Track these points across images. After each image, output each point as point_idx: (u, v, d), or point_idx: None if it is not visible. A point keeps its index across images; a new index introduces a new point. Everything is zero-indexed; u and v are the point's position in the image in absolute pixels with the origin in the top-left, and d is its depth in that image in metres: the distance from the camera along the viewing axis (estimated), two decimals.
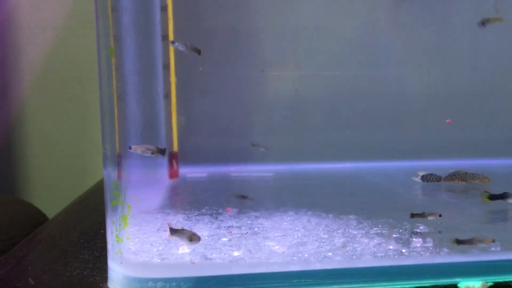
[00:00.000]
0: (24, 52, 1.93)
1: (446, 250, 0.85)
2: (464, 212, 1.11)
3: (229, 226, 0.97)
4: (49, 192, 1.99)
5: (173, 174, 1.38)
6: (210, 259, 0.82)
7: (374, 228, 0.95)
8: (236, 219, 1.02)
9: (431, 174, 1.30)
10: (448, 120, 1.28)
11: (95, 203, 1.36)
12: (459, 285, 0.81)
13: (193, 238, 0.82)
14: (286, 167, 1.47)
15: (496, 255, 0.85)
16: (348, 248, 0.86)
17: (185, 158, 1.39)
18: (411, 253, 0.85)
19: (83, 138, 1.98)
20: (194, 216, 1.04)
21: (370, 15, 1.47)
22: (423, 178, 1.31)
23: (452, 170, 1.30)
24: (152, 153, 0.93)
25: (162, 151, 0.95)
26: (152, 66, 1.19)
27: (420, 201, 1.22)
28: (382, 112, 1.50)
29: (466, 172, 1.29)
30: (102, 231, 1.07)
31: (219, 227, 0.97)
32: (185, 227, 0.96)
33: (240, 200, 1.11)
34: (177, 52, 1.31)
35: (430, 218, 0.95)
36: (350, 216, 1.01)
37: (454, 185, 1.30)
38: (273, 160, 1.47)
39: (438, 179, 1.29)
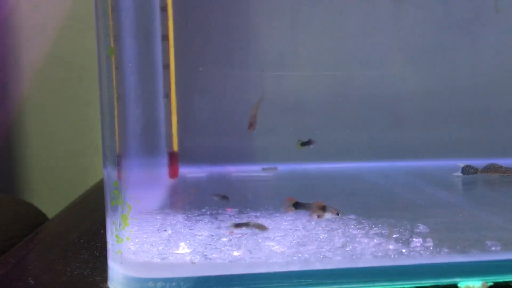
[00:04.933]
0: (24, 52, 1.93)
1: (446, 250, 0.85)
2: (464, 212, 1.11)
3: (229, 226, 0.97)
4: (49, 192, 1.99)
5: (173, 174, 1.38)
6: (210, 259, 0.82)
7: (374, 228, 0.95)
8: (236, 219, 1.01)
9: (470, 166, 1.31)
10: None
11: (95, 203, 1.36)
12: (459, 285, 0.81)
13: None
14: (286, 167, 1.47)
15: (496, 255, 0.85)
16: (348, 248, 0.86)
17: (185, 158, 1.39)
18: (411, 253, 0.85)
19: (83, 138, 1.98)
20: (194, 216, 1.04)
21: (370, 15, 1.47)
22: (463, 170, 1.32)
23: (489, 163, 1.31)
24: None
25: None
26: (152, 66, 1.19)
27: (420, 201, 1.22)
28: (382, 112, 1.50)
29: (501, 166, 1.29)
30: (102, 231, 1.07)
31: (219, 227, 0.97)
32: (185, 227, 0.97)
33: (220, 199, 1.13)
34: (177, 52, 1.31)
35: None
36: (350, 216, 1.01)
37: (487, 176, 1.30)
38: (273, 160, 1.47)
39: (475, 171, 1.30)
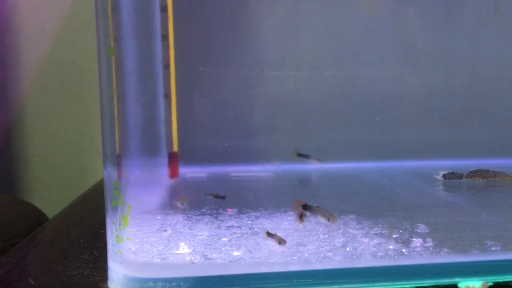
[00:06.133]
0: (24, 52, 1.93)
1: (446, 250, 0.85)
2: (464, 212, 1.11)
3: (229, 226, 0.97)
4: (49, 192, 1.99)
5: (173, 174, 1.38)
6: (210, 259, 0.82)
7: (374, 228, 0.95)
8: (236, 219, 1.02)
9: (453, 173, 1.31)
10: None
11: (95, 203, 1.36)
12: (459, 285, 0.81)
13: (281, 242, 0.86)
14: (286, 167, 1.47)
15: (496, 255, 0.85)
16: (348, 248, 0.86)
17: (185, 158, 1.39)
18: (411, 253, 0.85)
19: (83, 138, 1.98)
20: (194, 216, 1.04)
21: (370, 15, 1.47)
22: (445, 176, 1.31)
23: (474, 168, 1.31)
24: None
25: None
26: (152, 66, 1.19)
27: (420, 201, 1.22)
28: (382, 112, 1.50)
29: (488, 170, 1.29)
30: (102, 231, 1.07)
31: (219, 227, 0.97)
32: (185, 227, 0.97)
33: (216, 199, 1.14)
34: (177, 52, 1.31)
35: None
36: (350, 216, 1.01)
37: (473, 182, 1.30)
38: (273, 160, 1.47)
39: (460, 176, 1.30)
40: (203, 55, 1.40)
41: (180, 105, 1.36)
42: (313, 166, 1.47)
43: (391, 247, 0.87)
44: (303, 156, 1.39)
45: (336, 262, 0.82)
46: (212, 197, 1.14)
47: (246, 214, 1.04)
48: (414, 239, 0.89)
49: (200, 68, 1.38)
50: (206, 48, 1.40)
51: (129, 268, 0.80)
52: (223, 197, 1.14)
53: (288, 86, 1.48)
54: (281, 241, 0.85)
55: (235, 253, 0.84)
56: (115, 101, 0.83)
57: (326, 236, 0.92)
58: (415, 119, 1.52)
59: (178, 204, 1.10)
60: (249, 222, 1.00)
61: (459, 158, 1.46)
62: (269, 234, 0.88)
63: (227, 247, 0.86)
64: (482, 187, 1.29)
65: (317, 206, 0.98)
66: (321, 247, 0.86)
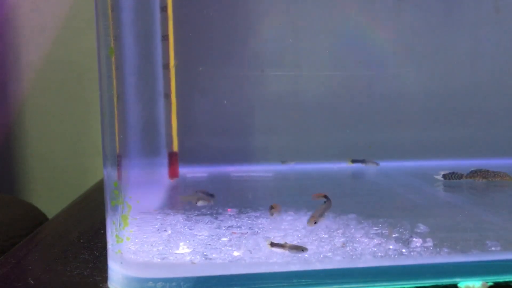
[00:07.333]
0: (24, 52, 1.93)
1: (446, 250, 0.85)
2: (464, 212, 1.11)
3: (229, 226, 0.97)
4: (49, 192, 1.99)
5: (173, 174, 1.38)
6: (210, 259, 0.82)
7: (374, 228, 0.95)
8: (236, 219, 1.02)
9: (453, 173, 1.31)
10: None
11: (95, 203, 1.36)
12: (459, 285, 0.81)
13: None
14: (286, 167, 1.47)
15: (496, 255, 0.85)
16: (348, 248, 0.86)
17: (185, 158, 1.39)
18: (411, 253, 0.85)
19: (83, 138, 1.98)
20: (194, 216, 1.04)
21: (370, 15, 1.47)
22: (445, 176, 1.31)
23: (474, 168, 1.31)
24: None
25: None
26: (152, 66, 1.19)
27: (420, 201, 1.22)
28: (382, 112, 1.50)
29: (488, 170, 1.29)
30: (102, 231, 1.07)
31: (219, 227, 0.97)
32: (185, 227, 0.97)
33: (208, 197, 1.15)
34: (177, 52, 1.32)
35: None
36: (350, 216, 1.01)
37: (473, 182, 1.30)
38: (273, 160, 1.47)
39: (460, 176, 1.30)
40: (203, 55, 1.41)
41: (180, 105, 1.36)
42: (313, 166, 1.47)
43: (391, 247, 0.87)
44: (358, 161, 1.43)
45: (336, 262, 0.82)
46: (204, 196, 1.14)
47: (246, 214, 1.04)
48: (414, 239, 0.89)
49: (200, 68, 1.38)
50: (206, 48, 1.40)
51: (129, 268, 0.80)
52: (212, 195, 1.14)
53: (288, 86, 1.48)
54: (303, 249, 0.84)
55: (235, 253, 0.84)
56: (115, 101, 0.83)
57: (326, 236, 0.92)
58: (415, 119, 1.52)
59: (199, 203, 1.10)
60: (249, 222, 1.00)
61: (459, 158, 1.46)
62: (274, 245, 0.86)
63: (227, 247, 0.86)
64: (482, 187, 1.29)
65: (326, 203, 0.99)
66: (321, 247, 0.86)
